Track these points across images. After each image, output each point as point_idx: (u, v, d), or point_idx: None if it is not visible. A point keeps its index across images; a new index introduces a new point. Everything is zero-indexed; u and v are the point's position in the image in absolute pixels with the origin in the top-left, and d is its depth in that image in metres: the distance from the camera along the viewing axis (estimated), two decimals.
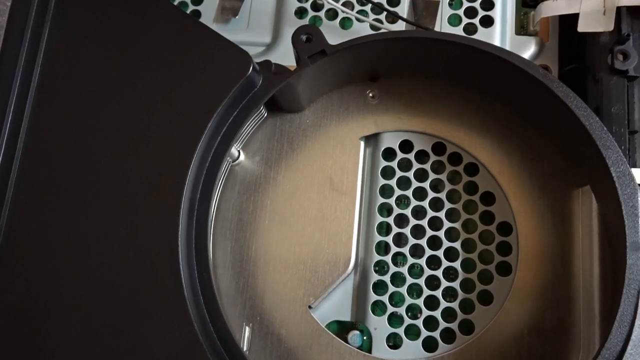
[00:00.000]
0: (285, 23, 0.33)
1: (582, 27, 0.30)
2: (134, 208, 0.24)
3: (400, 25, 0.33)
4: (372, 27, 0.33)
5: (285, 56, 0.32)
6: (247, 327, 0.28)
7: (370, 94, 0.31)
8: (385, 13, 0.33)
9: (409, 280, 0.29)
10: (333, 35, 0.33)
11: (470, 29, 0.33)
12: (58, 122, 0.25)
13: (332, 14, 0.34)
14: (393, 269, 0.29)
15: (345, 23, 0.34)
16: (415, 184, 0.30)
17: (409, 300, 0.29)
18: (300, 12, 0.34)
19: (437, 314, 0.28)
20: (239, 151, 0.30)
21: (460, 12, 0.33)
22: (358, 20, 0.33)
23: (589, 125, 0.25)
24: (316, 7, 0.34)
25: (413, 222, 0.29)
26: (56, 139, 0.24)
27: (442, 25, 0.32)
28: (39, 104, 0.24)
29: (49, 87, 0.24)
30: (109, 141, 0.24)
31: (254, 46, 0.33)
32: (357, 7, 0.33)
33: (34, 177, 0.25)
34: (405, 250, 0.29)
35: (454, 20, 0.33)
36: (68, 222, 0.25)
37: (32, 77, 0.24)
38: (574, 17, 0.31)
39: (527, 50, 0.32)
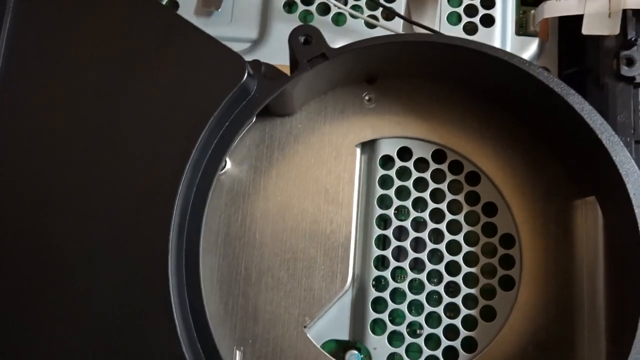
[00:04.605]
0: (273, 17, 0.31)
1: (586, 29, 0.29)
2: (121, 226, 0.22)
3: (396, 22, 0.31)
4: (367, 24, 0.31)
5: (273, 54, 0.30)
6: (237, 351, 0.26)
7: (367, 97, 0.29)
8: (380, 9, 0.31)
9: (410, 296, 0.27)
10: (325, 32, 0.30)
11: (469, 27, 0.31)
12: (27, 134, 0.22)
13: (323, 9, 0.31)
14: (392, 284, 0.27)
15: (339, 19, 0.31)
16: (414, 193, 0.28)
17: (409, 318, 0.27)
18: (289, 5, 0.31)
19: (439, 331, 0.27)
20: (225, 159, 0.27)
21: (460, 9, 0.31)
22: (352, 16, 0.31)
23: (602, 135, 0.24)
24: (307, 0, 0.31)
25: (413, 234, 0.28)
26: (27, 150, 0.21)
27: (440, 23, 0.31)
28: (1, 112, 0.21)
29: (15, 94, 0.21)
30: (91, 156, 0.21)
31: (239, 42, 0.31)
32: (351, 2, 0.31)
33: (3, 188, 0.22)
34: (405, 264, 0.28)
35: (453, 18, 0.31)
36: (51, 242, 0.22)
37: None
38: (575, 19, 0.29)
39: (528, 51, 0.31)
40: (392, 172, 0.29)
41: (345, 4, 0.31)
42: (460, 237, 0.28)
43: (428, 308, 0.27)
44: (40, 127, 0.22)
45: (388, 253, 0.28)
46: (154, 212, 0.22)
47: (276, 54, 0.30)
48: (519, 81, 0.25)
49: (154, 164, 0.21)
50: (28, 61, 0.22)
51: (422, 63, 0.27)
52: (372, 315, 0.27)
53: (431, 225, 0.28)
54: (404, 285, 0.27)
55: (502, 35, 0.31)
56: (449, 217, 0.28)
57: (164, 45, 0.21)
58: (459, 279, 0.27)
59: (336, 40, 0.30)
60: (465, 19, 0.31)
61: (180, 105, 0.21)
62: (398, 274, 0.28)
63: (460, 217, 0.28)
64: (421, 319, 0.27)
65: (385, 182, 0.29)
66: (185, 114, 0.21)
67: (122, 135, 0.21)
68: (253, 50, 0.31)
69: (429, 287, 0.27)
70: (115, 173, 0.22)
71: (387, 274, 0.28)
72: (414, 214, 0.28)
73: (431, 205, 0.28)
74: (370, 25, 0.31)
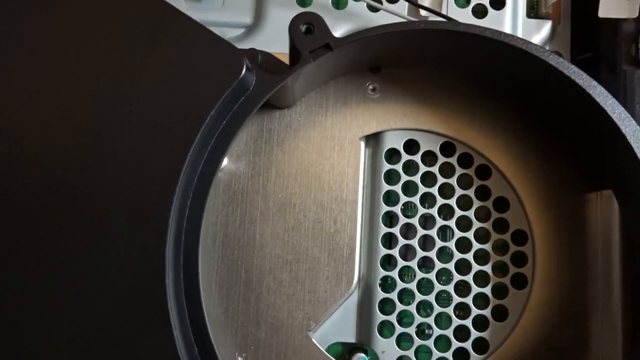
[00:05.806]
0: (269, 0, 0.29)
1: (603, 12, 0.27)
2: (114, 232, 0.21)
3: (401, 5, 0.29)
4: (370, 7, 0.29)
5: (270, 40, 0.28)
6: (239, 358, 0.25)
7: (371, 87, 0.27)
8: None
9: (418, 296, 0.26)
10: (325, 16, 0.28)
11: (478, 10, 0.29)
12: (8, 136, 0.20)
13: None
14: (400, 284, 0.26)
15: (340, 2, 0.29)
16: (422, 188, 0.27)
17: (418, 319, 0.26)
18: None
19: (449, 332, 0.26)
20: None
21: None
22: None
23: (626, 129, 0.22)
24: None
25: (420, 231, 0.27)
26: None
27: (448, 5, 0.29)
28: None
29: None
30: (80, 159, 0.19)
31: (232, 28, 0.28)
32: None
33: None
34: (413, 263, 0.26)
35: (461, 0, 0.29)
36: (39, 247, 0.21)
37: None
38: (590, 0, 0.28)
39: (539, 34, 0.29)
40: (399, 166, 0.27)
41: None
42: (470, 234, 0.27)
43: (437, 308, 0.26)
44: (22, 128, 0.20)
45: (395, 252, 0.26)
46: (149, 218, 0.20)
47: (273, 40, 0.28)
48: (535, 71, 0.24)
49: (147, 168, 0.20)
50: (8, 60, 0.20)
51: (431, 51, 0.25)
52: (380, 316, 0.26)
53: (440, 221, 0.27)
54: (412, 285, 0.26)
55: (512, 18, 0.29)
56: (458, 212, 0.27)
57: (153, 39, 0.19)
58: (469, 278, 0.26)
59: (337, 25, 0.28)
60: (474, 1, 0.29)
61: (173, 104, 0.19)
62: (406, 273, 0.27)
63: (470, 213, 0.27)
64: (430, 320, 0.26)
65: (391, 176, 0.27)
66: (179, 113, 0.19)
67: (111, 139, 0.19)
68: (247, 36, 0.28)
69: (438, 287, 0.26)
70: (107, 177, 0.20)
71: (394, 273, 0.26)
72: (421, 210, 0.27)
73: (440, 201, 0.27)
74: (373, 9, 0.29)
